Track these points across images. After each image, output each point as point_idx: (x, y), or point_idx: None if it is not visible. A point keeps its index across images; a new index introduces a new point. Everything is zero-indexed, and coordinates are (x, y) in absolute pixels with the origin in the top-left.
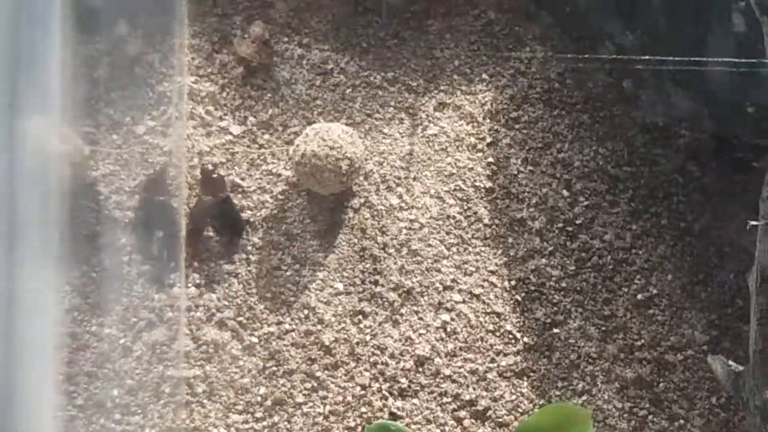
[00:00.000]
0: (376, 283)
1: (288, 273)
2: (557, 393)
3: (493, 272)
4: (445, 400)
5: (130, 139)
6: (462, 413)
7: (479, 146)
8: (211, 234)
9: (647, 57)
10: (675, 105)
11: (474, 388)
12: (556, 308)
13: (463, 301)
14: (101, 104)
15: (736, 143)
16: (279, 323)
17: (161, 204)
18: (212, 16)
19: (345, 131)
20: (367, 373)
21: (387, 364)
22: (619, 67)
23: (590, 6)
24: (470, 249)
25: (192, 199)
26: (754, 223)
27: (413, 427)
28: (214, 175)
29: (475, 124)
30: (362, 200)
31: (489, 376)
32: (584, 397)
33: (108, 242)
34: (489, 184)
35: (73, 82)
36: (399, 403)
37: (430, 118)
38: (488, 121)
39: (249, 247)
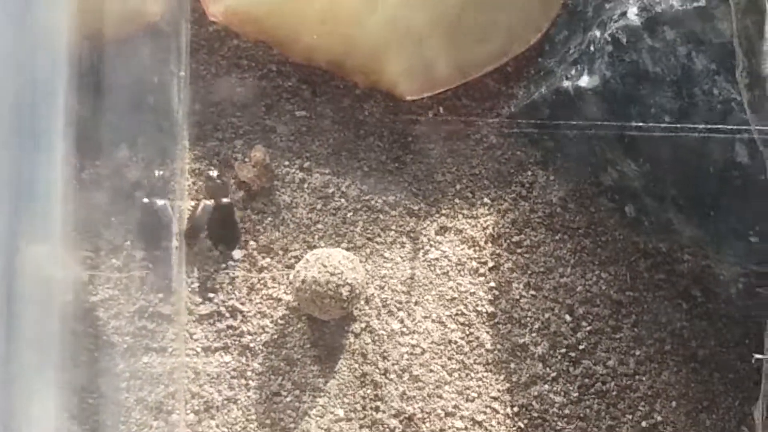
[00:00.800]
0: (377, 409)
1: (288, 399)
2: None
3: (495, 398)
4: None
5: (130, 263)
6: None
7: (481, 270)
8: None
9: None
10: (677, 231)
11: None
12: None
13: (465, 428)
14: (101, 228)
15: (741, 270)
16: None
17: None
18: (213, 140)
19: (346, 257)
20: None
21: None
22: (621, 192)
23: (591, 133)
24: (472, 374)
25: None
26: (759, 356)
27: None
28: (218, 181)
29: (477, 248)
30: (363, 325)
31: None
32: None
33: (106, 368)
34: (491, 309)
35: (74, 207)
36: None
37: (432, 242)
38: (490, 245)
39: (249, 373)
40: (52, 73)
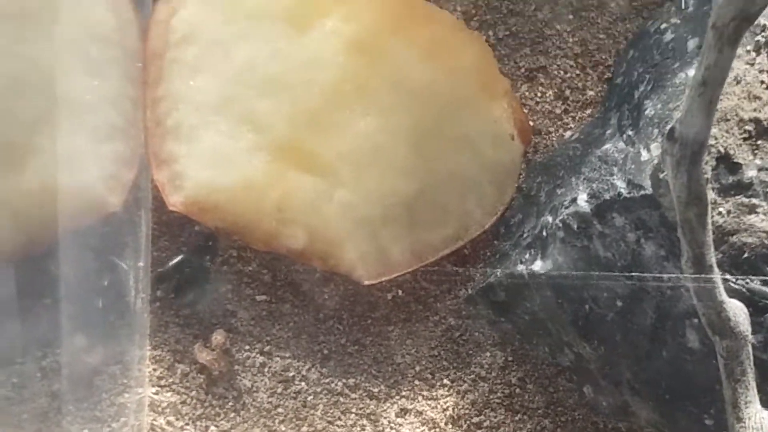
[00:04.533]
0: None
1: None
2: None
3: None
4: None
5: None
6: None
7: None
8: None
9: (605, 367)
10: (635, 413)
11: None
12: None
13: None
14: (59, 417)
15: None
16: None
17: None
18: (174, 326)
19: None
20: None
21: None
22: (579, 373)
23: (547, 316)
24: None
25: None
26: None
27: None
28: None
29: (438, 429)
30: None
31: None
32: None
33: None
34: None
35: (31, 395)
36: None
37: (392, 425)
38: (450, 426)
39: None
40: None
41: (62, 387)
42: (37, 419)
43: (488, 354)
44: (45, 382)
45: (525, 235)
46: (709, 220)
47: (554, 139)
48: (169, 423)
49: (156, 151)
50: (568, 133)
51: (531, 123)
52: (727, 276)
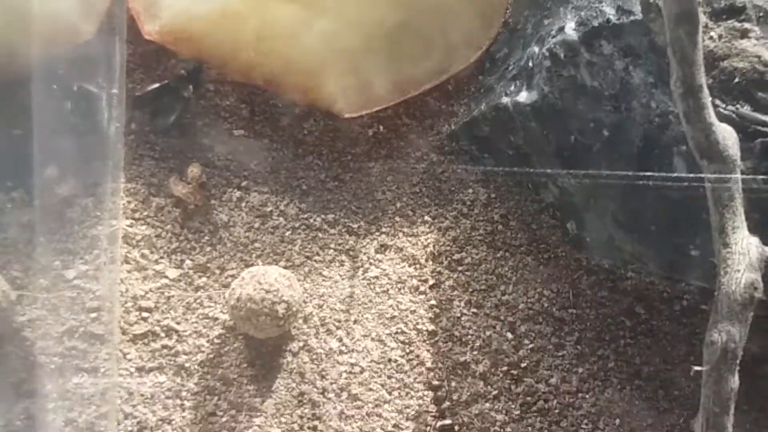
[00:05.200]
0: (314, 429)
1: (224, 419)
2: None
3: (436, 417)
4: None
5: (60, 283)
6: None
7: (422, 288)
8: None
9: (590, 200)
10: (619, 248)
11: None
12: None
13: None
14: (29, 248)
15: (684, 286)
16: None
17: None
18: (149, 159)
19: (282, 274)
20: None
21: None
22: (563, 209)
23: (531, 150)
24: (412, 393)
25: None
26: (698, 368)
27: None
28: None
29: (418, 266)
30: (301, 344)
31: None
32: None
33: (33, 389)
34: (431, 327)
35: (1, 226)
36: None
37: (371, 261)
38: (431, 263)
39: (184, 393)
40: None
41: (33, 218)
42: (7, 250)
43: (470, 191)
44: (15, 212)
45: (510, 68)
46: (700, 39)
47: None
48: (143, 256)
49: None
50: None
51: None
52: (717, 102)
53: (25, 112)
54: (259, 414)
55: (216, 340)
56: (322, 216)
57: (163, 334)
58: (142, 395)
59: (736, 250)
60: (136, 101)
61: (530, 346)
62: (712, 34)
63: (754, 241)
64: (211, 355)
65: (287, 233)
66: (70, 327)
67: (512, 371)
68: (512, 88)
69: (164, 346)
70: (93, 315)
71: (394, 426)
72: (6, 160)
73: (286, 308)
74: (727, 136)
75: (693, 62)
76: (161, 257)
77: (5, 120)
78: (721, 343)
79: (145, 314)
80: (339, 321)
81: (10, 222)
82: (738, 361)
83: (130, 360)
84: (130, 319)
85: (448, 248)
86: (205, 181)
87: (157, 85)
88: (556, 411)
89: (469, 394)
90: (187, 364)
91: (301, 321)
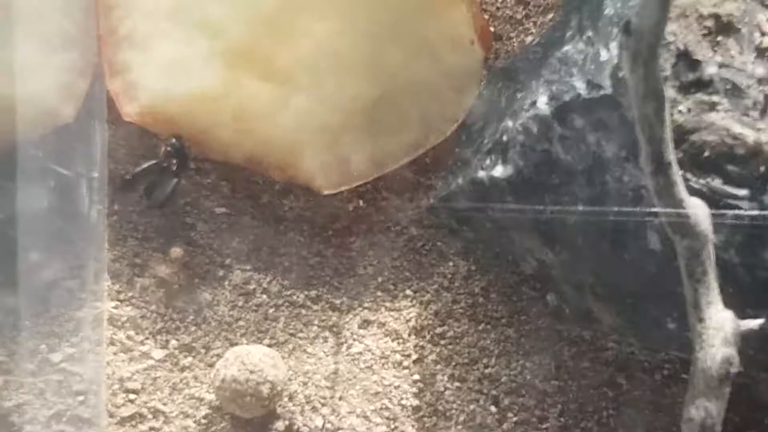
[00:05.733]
0: None
1: None
2: None
3: None
4: None
5: (46, 367)
6: None
7: (405, 363)
8: None
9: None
10: (598, 319)
11: None
12: None
13: None
14: (14, 332)
15: (664, 355)
16: None
17: None
18: (133, 240)
19: (266, 354)
20: None
21: None
22: (542, 281)
23: (509, 223)
24: None
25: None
26: None
27: None
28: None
29: (401, 340)
30: (287, 422)
31: None
32: None
33: None
34: (416, 402)
35: None
36: None
37: (355, 336)
38: (413, 337)
39: None
40: None
41: (17, 302)
42: None
43: (451, 264)
44: None
45: (486, 141)
46: (668, 116)
47: (515, 44)
48: (129, 337)
49: (110, 59)
50: (529, 38)
51: (491, 28)
52: (688, 175)
53: (6, 197)
54: None
55: (203, 420)
56: (305, 292)
57: (150, 416)
58: None
59: (710, 324)
60: (125, 183)
61: (514, 419)
62: (681, 107)
63: (729, 315)
64: None
65: (271, 311)
66: (58, 411)
67: None
68: (488, 162)
69: (151, 428)
70: (80, 398)
71: None
72: None
73: (270, 388)
74: (699, 211)
75: (661, 140)
76: (146, 338)
77: None
78: (699, 419)
79: (132, 396)
80: (324, 398)
81: (3, 306)
82: None
83: None
84: (117, 401)
85: (430, 322)
86: (188, 261)
87: (146, 164)
88: None
89: None
90: None
91: (286, 399)
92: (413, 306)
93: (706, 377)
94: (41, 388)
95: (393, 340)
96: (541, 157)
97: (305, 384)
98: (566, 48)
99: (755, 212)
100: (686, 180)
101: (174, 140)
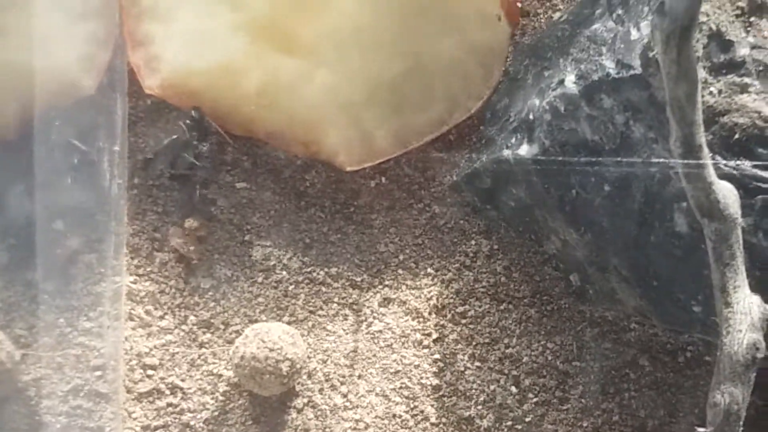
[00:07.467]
0: None
1: None
2: None
3: None
4: None
5: (64, 341)
6: None
7: (425, 342)
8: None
9: (592, 254)
10: (622, 301)
11: None
12: None
13: None
14: (34, 306)
15: (687, 337)
16: None
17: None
18: (152, 214)
19: (286, 331)
20: None
21: None
22: (565, 261)
23: (534, 202)
24: None
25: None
26: (701, 430)
27: None
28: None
29: (421, 319)
30: (306, 400)
31: None
32: None
33: None
34: (436, 382)
35: (5, 284)
36: None
37: (375, 314)
38: (434, 316)
39: None
40: None
41: (36, 276)
42: (11, 308)
43: (473, 242)
44: (19, 270)
45: (511, 119)
46: (699, 99)
47: (543, 21)
48: (147, 312)
49: (132, 31)
50: (557, 15)
51: (519, 4)
52: (717, 158)
53: (27, 169)
54: None
55: (221, 398)
56: (326, 269)
57: (167, 392)
58: None
59: (737, 309)
60: (146, 162)
61: (534, 400)
62: (712, 89)
63: (756, 300)
64: (216, 413)
65: (290, 287)
66: (75, 386)
67: (516, 426)
68: (513, 140)
69: (169, 404)
70: (98, 373)
71: None
72: (8, 217)
73: (290, 366)
74: (728, 194)
75: (692, 122)
76: (165, 313)
77: (7, 177)
78: (724, 405)
79: (149, 372)
80: (343, 376)
81: (14, 280)
82: (741, 423)
83: (135, 419)
84: (135, 376)
85: (452, 301)
86: (204, 235)
87: (167, 141)
88: None
89: None
90: (192, 422)
91: (305, 377)
92: (434, 284)
93: (732, 362)
94: (59, 362)
95: (413, 319)
96: (567, 137)
97: (324, 362)
98: (595, 26)
99: None
100: (715, 163)
101: (193, 112)
